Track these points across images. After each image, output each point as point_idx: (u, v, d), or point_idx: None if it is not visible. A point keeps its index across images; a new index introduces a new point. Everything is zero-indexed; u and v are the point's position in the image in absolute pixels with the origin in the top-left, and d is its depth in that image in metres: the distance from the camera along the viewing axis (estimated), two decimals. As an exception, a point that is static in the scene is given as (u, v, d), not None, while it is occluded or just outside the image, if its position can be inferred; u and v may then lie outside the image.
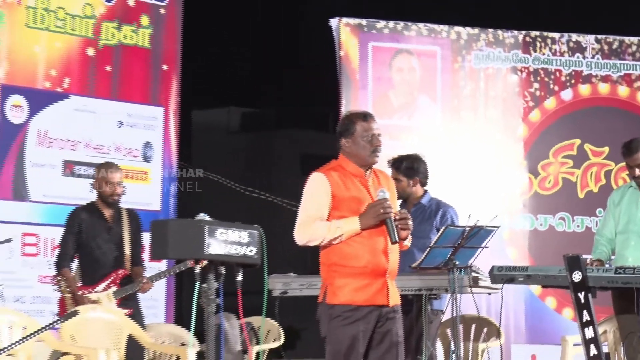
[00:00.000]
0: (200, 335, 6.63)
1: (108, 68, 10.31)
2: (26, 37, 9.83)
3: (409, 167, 8.24)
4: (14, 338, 7.03)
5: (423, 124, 10.99)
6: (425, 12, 11.31)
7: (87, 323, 7.51)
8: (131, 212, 8.67)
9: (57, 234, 9.38)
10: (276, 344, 9.51)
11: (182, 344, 8.21)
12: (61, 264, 8.45)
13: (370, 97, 10.86)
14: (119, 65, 10.39)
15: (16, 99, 9.76)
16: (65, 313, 7.78)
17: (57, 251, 8.65)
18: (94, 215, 8.49)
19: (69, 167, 10.03)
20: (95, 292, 8.31)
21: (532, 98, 11.21)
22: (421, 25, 11.12)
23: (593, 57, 11.31)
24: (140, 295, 8.60)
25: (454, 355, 8.19)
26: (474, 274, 7.60)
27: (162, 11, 10.66)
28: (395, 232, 6.16)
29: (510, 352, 10.57)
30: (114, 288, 8.37)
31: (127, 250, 8.47)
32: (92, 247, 8.43)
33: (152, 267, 8.86)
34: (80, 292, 8.27)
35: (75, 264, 8.50)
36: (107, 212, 8.50)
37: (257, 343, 9.20)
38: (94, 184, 8.54)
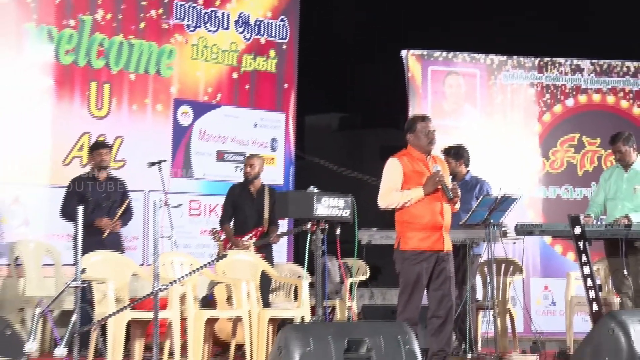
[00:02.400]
0: (311, 271, 6.66)
1: (247, 86, 10.35)
2: (191, 66, 9.89)
3: (456, 152, 8.23)
4: (183, 272, 7.12)
5: (467, 124, 10.89)
6: (469, 45, 11.19)
7: (233, 262, 7.57)
8: (271, 188, 8.71)
9: (213, 201, 9.49)
10: (363, 278, 9.51)
11: (299, 277, 8.25)
12: (222, 222, 8.57)
13: (429, 105, 10.78)
14: (254, 85, 10.41)
15: (185, 108, 9.84)
16: (218, 255, 7.88)
17: (220, 213, 8.77)
18: (244, 190, 8.56)
19: (220, 155, 10.09)
20: (242, 241, 8.39)
21: (544, 105, 11.06)
22: (465, 54, 11.01)
23: (589, 75, 11.14)
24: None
25: (489, 286, 8.14)
26: (503, 228, 7.54)
27: (284, 46, 10.67)
28: (450, 192, 6.16)
29: (530, 284, 10.45)
30: (254, 239, 8.44)
31: (266, 214, 8.52)
32: (241, 211, 8.51)
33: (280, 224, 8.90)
34: (238, 239, 8.38)
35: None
36: (253, 188, 8.56)
37: (351, 276, 9.21)
38: (244, 169, 8.64)
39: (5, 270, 8.45)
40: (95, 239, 7.75)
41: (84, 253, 6.12)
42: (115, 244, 8.01)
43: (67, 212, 7.96)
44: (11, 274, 8.42)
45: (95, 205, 8.04)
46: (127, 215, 8.23)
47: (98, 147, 8.29)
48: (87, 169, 8.51)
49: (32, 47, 8.81)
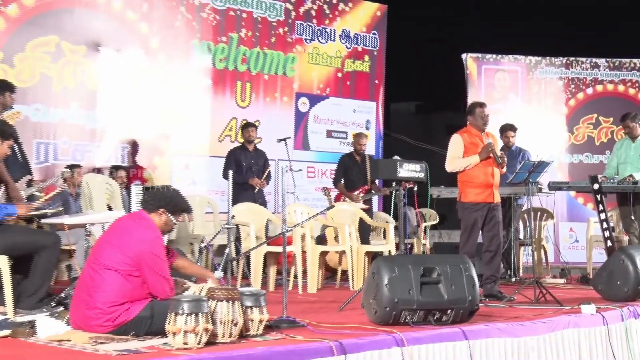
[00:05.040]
0: (395, 217, 6.62)
1: (348, 83, 10.31)
2: (307, 68, 9.90)
3: (515, 129, 8.16)
4: (303, 218, 7.18)
5: (511, 108, 10.70)
6: (512, 49, 10.95)
7: (339, 211, 7.59)
8: (370, 156, 8.63)
9: (324, 167, 9.52)
10: (434, 222, 9.43)
11: (387, 222, 8.22)
12: (335, 182, 8.50)
13: (482, 94, 10.60)
14: (353, 81, 10.36)
15: (303, 99, 9.87)
16: (328, 206, 7.89)
17: (334, 175, 8.74)
18: (351, 159, 8.47)
19: (329, 133, 10.10)
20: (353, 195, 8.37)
21: (570, 93, 10.80)
22: (510, 56, 10.82)
23: (604, 70, 10.85)
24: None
25: (528, 228, 7.96)
26: (539, 185, 7.33)
27: (375, 53, 10.56)
28: (499, 159, 6.04)
29: (559, 226, 10.23)
30: (362, 195, 8.41)
31: (369, 175, 8.46)
32: (350, 174, 8.44)
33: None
34: (351, 194, 8.34)
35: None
36: (357, 157, 8.47)
37: (424, 221, 9.14)
38: (353, 143, 8.57)
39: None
40: (249, 193, 8.04)
41: (236, 202, 6.22)
42: (261, 197, 8.24)
43: (226, 174, 8.08)
44: (184, 219, 8.65)
45: (248, 168, 8.21)
46: (268, 177, 8.34)
47: (247, 127, 8.39)
48: (236, 143, 8.68)
49: (196, 57, 8.98)
